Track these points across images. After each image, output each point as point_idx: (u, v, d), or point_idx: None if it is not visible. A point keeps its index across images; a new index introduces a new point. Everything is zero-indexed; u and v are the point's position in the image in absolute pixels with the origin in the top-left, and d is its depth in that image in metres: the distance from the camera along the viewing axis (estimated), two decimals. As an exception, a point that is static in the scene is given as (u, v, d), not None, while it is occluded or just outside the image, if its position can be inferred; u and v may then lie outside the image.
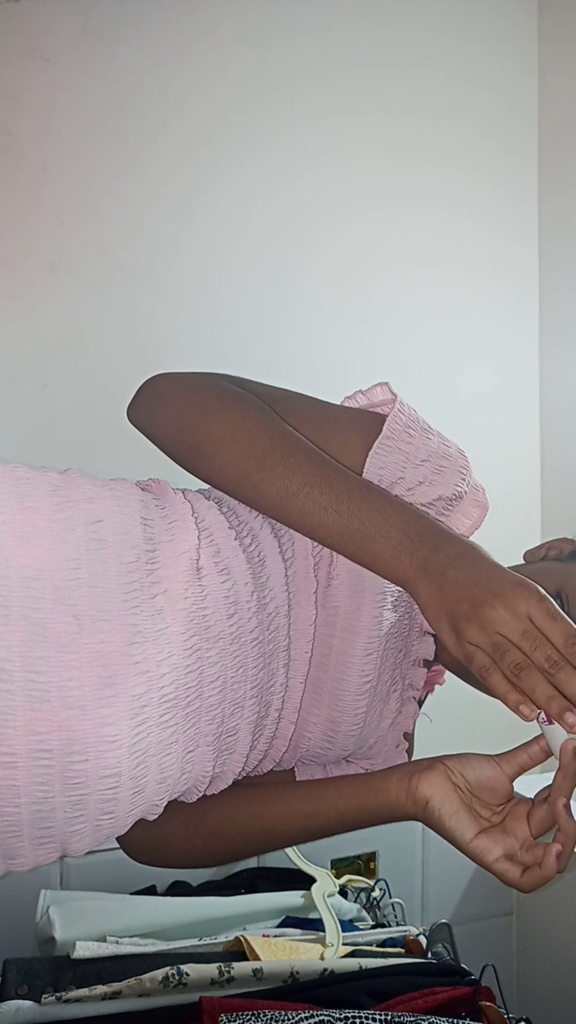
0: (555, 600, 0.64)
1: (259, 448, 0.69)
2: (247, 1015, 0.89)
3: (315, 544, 0.76)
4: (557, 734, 0.67)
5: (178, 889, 1.53)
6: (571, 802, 0.68)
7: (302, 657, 0.77)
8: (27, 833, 0.65)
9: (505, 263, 2.09)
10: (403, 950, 1.31)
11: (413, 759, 0.76)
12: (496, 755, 0.72)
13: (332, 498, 0.67)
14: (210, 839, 0.80)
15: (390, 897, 1.56)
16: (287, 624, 0.76)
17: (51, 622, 0.64)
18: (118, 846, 0.86)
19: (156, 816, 0.73)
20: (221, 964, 1.07)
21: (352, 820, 0.74)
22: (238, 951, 1.19)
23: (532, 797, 0.71)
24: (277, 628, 0.76)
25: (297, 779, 0.87)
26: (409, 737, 0.90)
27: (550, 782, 0.69)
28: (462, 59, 2.04)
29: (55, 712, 0.63)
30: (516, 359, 2.10)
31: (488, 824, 0.69)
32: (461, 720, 1.59)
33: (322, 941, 1.27)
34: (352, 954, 1.24)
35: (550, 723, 0.67)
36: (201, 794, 0.78)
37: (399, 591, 0.79)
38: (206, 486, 0.81)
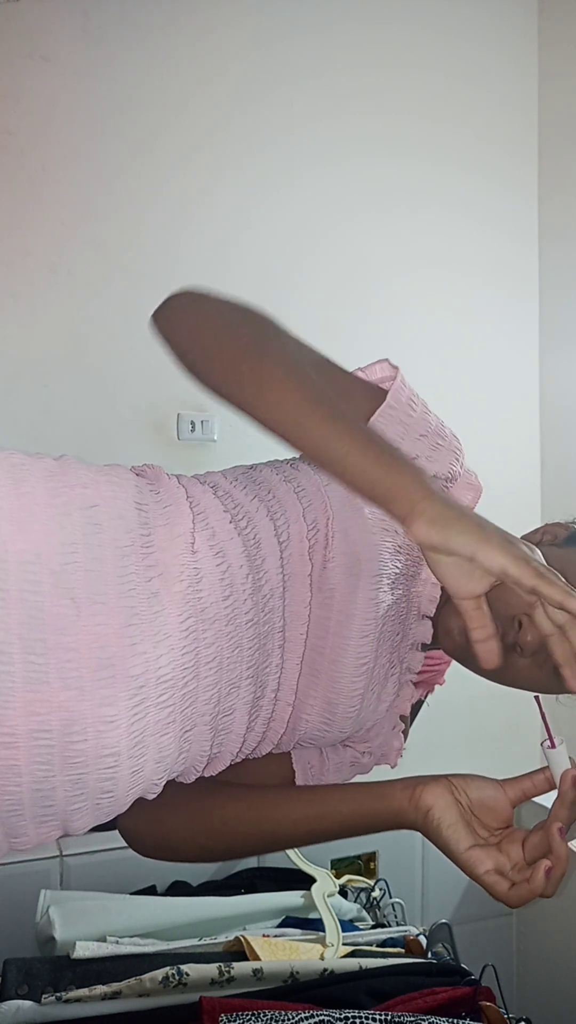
0: None
1: (281, 369, 0.70)
2: (247, 1015, 0.89)
3: (311, 527, 0.77)
4: (559, 761, 0.69)
5: (178, 889, 1.53)
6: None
7: (297, 639, 0.78)
8: (28, 812, 0.66)
9: (505, 264, 2.09)
10: (403, 950, 1.31)
11: (421, 774, 0.76)
12: (501, 780, 0.73)
13: (352, 427, 0.67)
14: (215, 838, 0.81)
15: (390, 897, 1.56)
16: (282, 606, 0.77)
17: (49, 605, 0.65)
18: (117, 846, 0.86)
19: (155, 795, 0.74)
20: (221, 964, 1.07)
21: (354, 825, 0.75)
22: (238, 951, 1.19)
23: (530, 829, 0.72)
24: (272, 610, 0.77)
25: (294, 762, 0.88)
26: (405, 720, 0.90)
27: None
28: (462, 60, 2.04)
29: (54, 693, 0.64)
30: (516, 359, 2.10)
31: (484, 842, 0.71)
32: (462, 717, 1.59)
33: (322, 941, 1.27)
34: (352, 954, 1.24)
35: (553, 747, 0.69)
36: (199, 774, 0.78)
37: (396, 573, 0.80)
38: (201, 472, 0.81)
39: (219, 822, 0.80)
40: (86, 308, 1.73)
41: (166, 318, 0.77)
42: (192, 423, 1.80)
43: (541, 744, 0.70)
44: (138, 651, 0.67)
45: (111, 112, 1.74)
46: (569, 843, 0.69)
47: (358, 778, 0.88)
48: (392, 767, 0.88)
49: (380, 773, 0.90)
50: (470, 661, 0.83)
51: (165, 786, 0.76)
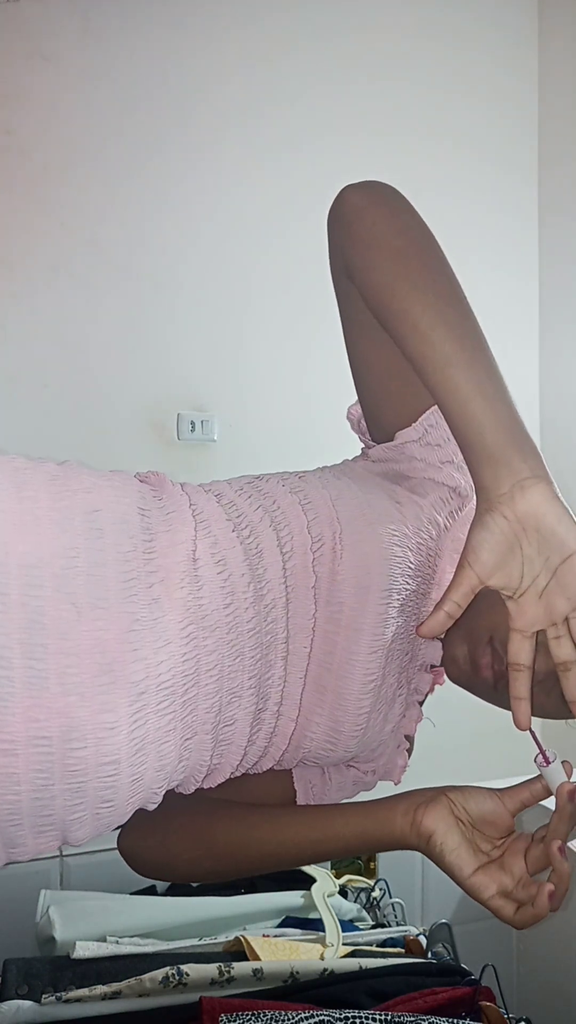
0: None
1: (458, 298, 0.70)
2: (247, 1015, 0.89)
3: (315, 539, 0.77)
4: (555, 776, 0.69)
5: (178, 889, 1.53)
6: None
7: (300, 651, 0.78)
8: (27, 821, 0.66)
9: (505, 244, 2.09)
10: (403, 950, 1.31)
11: (419, 788, 0.76)
12: (499, 790, 0.73)
13: (493, 378, 0.66)
14: (218, 861, 0.81)
15: (390, 897, 1.56)
16: (285, 617, 0.77)
17: (50, 610, 0.65)
18: (117, 846, 0.86)
19: (155, 805, 0.74)
20: (221, 964, 1.07)
21: (357, 847, 0.76)
22: (238, 951, 1.19)
23: (532, 834, 0.72)
24: (275, 620, 0.76)
25: (295, 781, 0.87)
26: (410, 739, 0.90)
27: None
28: (462, 37, 2.04)
29: (54, 699, 0.64)
30: (516, 358, 2.10)
31: (487, 859, 0.71)
32: (463, 716, 1.59)
33: (322, 941, 1.27)
34: (352, 954, 1.24)
35: (547, 765, 0.69)
36: (198, 784, 0.78)
37: (408, 591, 0.79)
38: (201, 471, 0.81)
39: (223, 845, 0.80)
40: (86, 308, 1.73)
41: (368, 193, 0.76)
42: (192, 423, 1.80)
43: (535, 760, 0.69)
44: (139, 657, 0.67)
45: (111, 112, 1.74)
46: (570, 843, 0.69)
47: (361, 794, 0.88)
48: (396, 784, 0.88)
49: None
50: (475, 688, 0.83)
51: (167, 808, 0.75)
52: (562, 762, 0.70)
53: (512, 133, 2.11)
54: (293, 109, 1.89)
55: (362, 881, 1.56)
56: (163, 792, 0.74)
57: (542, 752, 0.69)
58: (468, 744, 1.84)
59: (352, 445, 0.95)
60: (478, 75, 2.07)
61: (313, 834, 0.77)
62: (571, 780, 0.69)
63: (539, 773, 0.71)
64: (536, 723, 0.70)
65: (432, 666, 0.87)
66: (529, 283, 2.13)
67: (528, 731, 0.68)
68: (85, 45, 1.72)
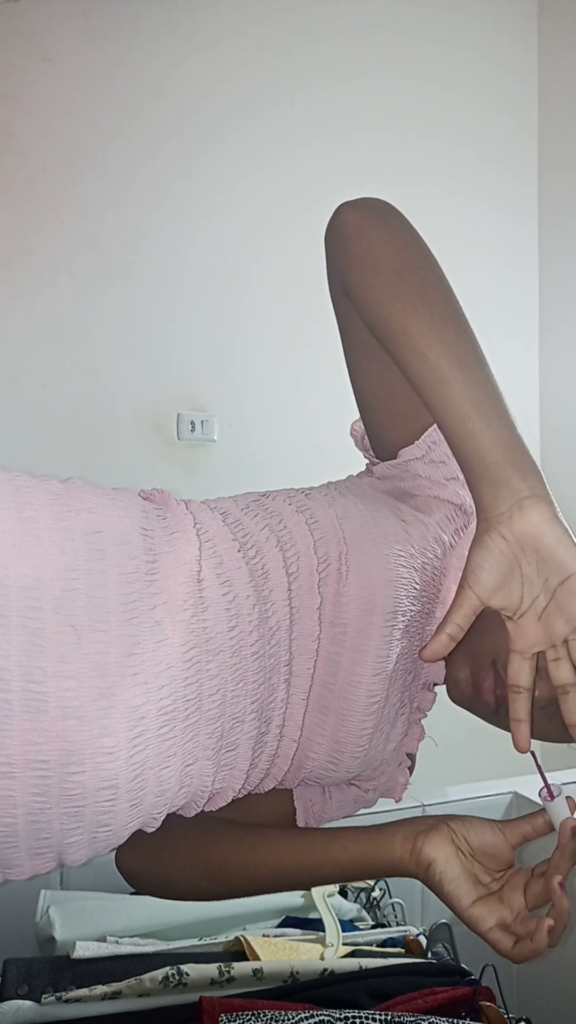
0: None
1: (455, 318, 0.69)
2: (247, 1015, 0.89)
3: (322, 560, 0.76)
4: (558, 811, 0.69)
5: (178, 889, 1.52)
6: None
7: (304, 673, 0.76)
8: (23, 844, 0.65)
9: (505, 243, 2.10)
10: (403, 950, 1.31)
11: (419, 816, 0.75)
12: (501, 822, 0.73)
13: (492, 395, 0.65)
14: (214, 882, 0.80)
15: (390, 897, 1.56)
16: (288, 639, 0.75)
17: (49, 632, 0.64)
18: (115, 862, 0.85)
19: (154, 828, 0.73)
20: (221, 964, 1.07)
21: (355, 873, 0.75)
22: (238, 951, 1.18)
23: (532, 868, 0.71)
24: (278, 643, 0.75)
25: (295, 800, 0.87)
26: (412, 756, 0.89)
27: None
28: (462, 36, 2.05)
29: (52, 722, 0.63)
30: (516, 358, 2.11)
31: (486, 891, 0.70)
32: (463, 715, 1.59)
33: (322, 941, 1.27)
34: (352, 954, 1.24)
35: (552, 799, 0.69)
36: (200, 809, 0.77)
37: (412, 611, 0.78)
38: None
39: (219, 867, 0.79)
40: (86, 308, 1.73)
41: (364, 211, 0.74)
42: (192, 423, 1.80)
43: (539, 794, 0.69)
44: (139, 680, 0.66)
45: (111, 112, 1.74)
46: None
47: (358, 815, 0.88)
48: (397, 801, 0.87)
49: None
50: (477, 710, 0.82)
51: (165, 826, 0.75)
52: (566, 797, 0.69)
53: (512, 133, 2.11)
54: (293, 109, 1.89)
55: (362, 881, 1.56)
56: (163, 816, 0.73)
57: (547, 786, 0.68)
58: (463, 743, 1.84)
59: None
60: (478, 75, 2.07)
61: (309, 860, 0.76)
62: (574, 816, 0.68)
63: (542, 807, 0.70)
64: (538, 751, 0.70)
65: (434, 684, 0.87)
66: (529, 283, 2.13)
67: (530, 753, 0.67)
68: (85, 45, 1.73)
